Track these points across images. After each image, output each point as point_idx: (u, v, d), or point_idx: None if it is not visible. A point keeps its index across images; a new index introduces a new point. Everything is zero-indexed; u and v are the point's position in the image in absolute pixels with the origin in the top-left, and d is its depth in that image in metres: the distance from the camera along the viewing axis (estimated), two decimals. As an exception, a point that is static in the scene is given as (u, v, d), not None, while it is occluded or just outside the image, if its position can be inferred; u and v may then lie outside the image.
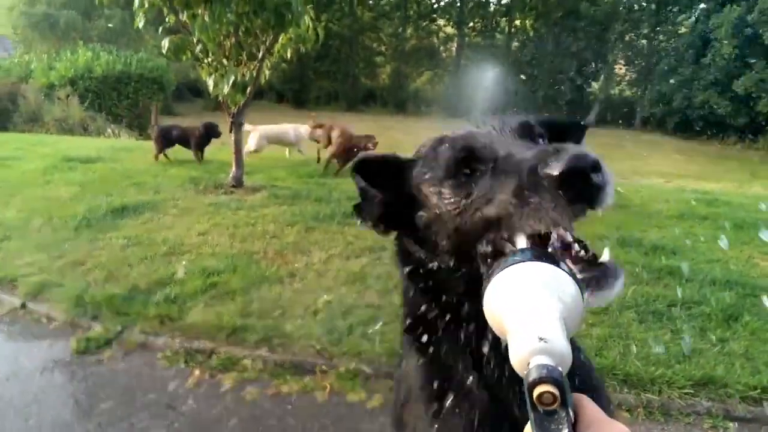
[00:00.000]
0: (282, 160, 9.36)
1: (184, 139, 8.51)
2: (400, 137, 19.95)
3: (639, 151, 25.29)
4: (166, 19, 5.95)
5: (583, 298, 0.81)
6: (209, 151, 8.80)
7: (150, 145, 8.83)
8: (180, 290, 3.88)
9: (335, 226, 5.42)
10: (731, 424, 2.89)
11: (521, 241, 0.94)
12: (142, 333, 3.47)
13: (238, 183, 6.80)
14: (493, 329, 0.81)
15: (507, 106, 39.57)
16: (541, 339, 0.70)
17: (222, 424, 2.73)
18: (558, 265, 0.81)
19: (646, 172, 16.45)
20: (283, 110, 32.34)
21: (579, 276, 0.82)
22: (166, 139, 8.43)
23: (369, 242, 4.99)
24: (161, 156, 8.45)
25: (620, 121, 37.46)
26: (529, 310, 0.74)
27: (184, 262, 4.37)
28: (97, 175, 7.24)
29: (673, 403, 2.97)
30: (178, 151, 8.70)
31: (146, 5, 5.71)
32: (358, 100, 39.99)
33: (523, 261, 0.82)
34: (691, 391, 3.02)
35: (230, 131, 6.72)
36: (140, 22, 5.84)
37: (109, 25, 27.72)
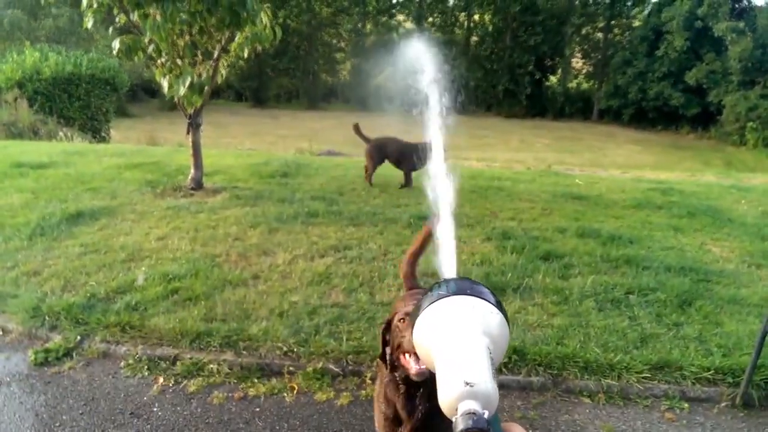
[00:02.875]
0: (242, 159, 9.22)
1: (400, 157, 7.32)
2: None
3: (597, 143, 25.97)
4: (117, 19, 5.78)
5: (508, 323, 0.85)
6: (165, 153, 8.60)
7: (104, 149, 8.57)
8: (141, 297, 3.79)
9: (299, 226, 5.39)
10: (687, 405, 3.02)
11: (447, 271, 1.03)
12: (103, 342, 3.38)
13: (197, 185, 6.67)
14: (423, 362, 0.87)
15: (466, 100, 40.03)
16: (467, 383, 0.74)
17: (189, 430, 2.69)
18: (481, 296, 0.85)
19: (603, 164, 16.91)
20: (242, 109, 31.90)
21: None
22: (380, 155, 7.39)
23: (333, 241, 4.99)
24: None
25: (578, 114, 38.38)
26: (455, 350, 0.78)
27: (143, 268, 4.27)
28: (49, 181, 6.99)
29: (631, 387, 3.08)
30: (133, 153, 8.47)
31: (95, 5, 5.52)
32: (318, 98, 39.75)
33: (447, 295, 0.87)
34: (649, 375, 3.14)
35: (187, 132, 6.57)
36: (89, 23, 5.65)
37: (58, 24, 26.74)
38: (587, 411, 2.94)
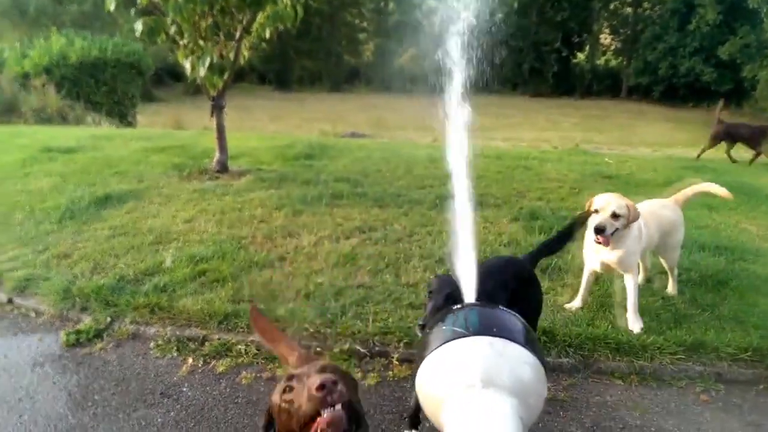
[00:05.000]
0: (266, 142, 9.24)
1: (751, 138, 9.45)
2: (386, 116, 19.81)
3: (626, 121, 25.34)
4: (138, 1, 5.77)
5: (545, 368, 0.66)
6: (190, 136, 8.66)
7: (130, 133, 8.67)
8: (169, 279, 3.82)
9: (323, 207, 5.37)
10: (722, 387, 2.93)
11: (468, 295, 0.82)
12: (133, 323, 3.43)
13: (222, 168, 6.70)
14: (427, 414, 0.69)
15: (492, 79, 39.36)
16: None
17: (218, 409, 2.72)
18: (511, 337, 0.66)
19: (633, 142, 16.50)
20: (265, 92, 31.97)
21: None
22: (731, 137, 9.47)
23: (358, 223, 4.96)
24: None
25: (606, 92, 37.42)
26: (470, 421, 0.59)
27: (171, 251, 4.31)
28: (78, 165, 7.10)
29: (665, 368, 3.00)
30: (159, 137, 8.55)
31: (117, -13, 5.53)
32: (341, 79, 39.54)
33: (465, 334, 0.67)
34: (683, 357, 3.06)
35: (211, 115, 6.58)
36: (111, 5, 5.65)
37: (83, 9, 27.03)
38: (619, 392, 2.88)
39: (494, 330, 0.67)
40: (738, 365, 3.05)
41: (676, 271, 3.76)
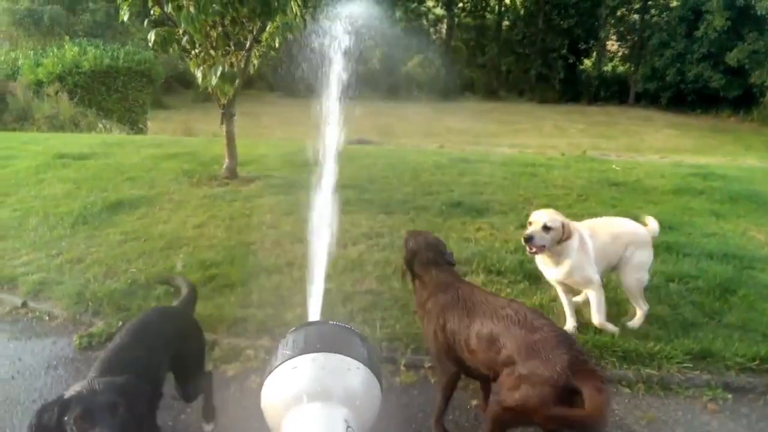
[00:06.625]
0: (274, 149, 9.31)
1: None
2: (392, 122, 19.88)
3: (633, 127, 25.27)
4: (151, 12, 5.87)
5: (378, 378, 0.70)
6: (200, 143, 8.74)
7: (141, 139, 8.78)
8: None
9: (331, 214, 5.41)
10: (730, 396, 2.93)
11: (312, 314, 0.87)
12: (144, 328, 3.47)
13: (231, 174, 6.77)
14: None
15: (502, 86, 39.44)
16: None
17: (228, 413, 2.75)
18: (339, 350, 0.70)
19: (641, 149, 16.47)
20: (274, 99, 32.13)
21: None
22: None
23: (365, 229, 5.00)
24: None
25: (614, 98, 37.29)
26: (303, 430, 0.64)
27: (182, 256, 4.37)
28: (90, 172, 7.20)
29: (672, 377, 3.01)
30: (170, 144, 8.64)
31: (130, -2, 5.64)
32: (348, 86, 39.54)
33: (292, 355, 0.71)
34: (690, 365, 3.06)
35: (221, 123, 6.67)
36: (125, 16, 5.76)
37: (95, 19, 27.37)
38: (626, 401, 2.89)
39: (317, 346, 0.72)
40: (746, 374, 3.04)
41: (642, 301, 3.42)
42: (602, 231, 3.34)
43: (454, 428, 2.62)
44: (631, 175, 7.66)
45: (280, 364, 0.65)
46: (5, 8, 27.02)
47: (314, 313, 0.86)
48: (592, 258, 3.23)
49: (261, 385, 0.63)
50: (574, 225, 3.23)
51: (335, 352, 0.63)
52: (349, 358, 0.62)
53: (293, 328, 0.68)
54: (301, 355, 0.63)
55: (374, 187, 6.54)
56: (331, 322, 0.69)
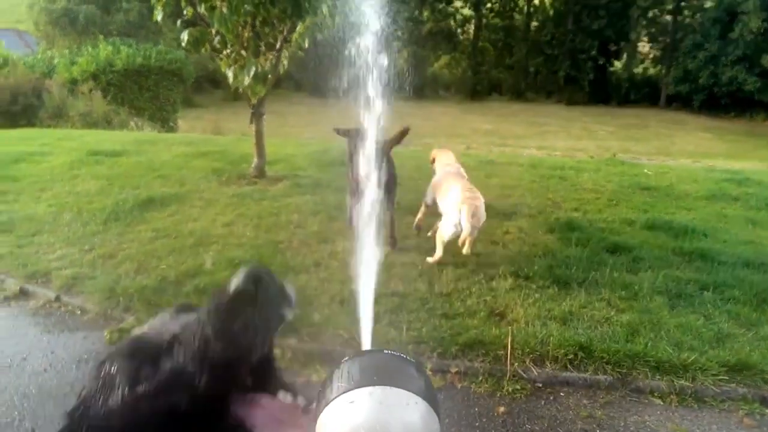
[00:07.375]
0: (302, 148, 9.37)
1: None
2: (418, 123, 19.82)
3: (665, 130, 24.75)
4: (184, 12, 5.96)
5: (437, 412, 0.69)
6: (229, 142, 8.84)
7: (172, 138, 8.91)
8: (209, 281, 3.92)
9: (358, 214, 5.41)
10: (768, 411, 2.84)
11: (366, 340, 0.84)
12: (173, 324, 3.52)
13: (260, 173, 6.83)
14: None
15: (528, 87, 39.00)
16: None
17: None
18: (397, 384, 0.69)
19: (672, 152, 16.12)
20: (301, 98, 32.38)
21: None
22: None
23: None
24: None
25: (644, 101, 36.59)
26: None
27: (211, 253, 4.42)
28: (123, 169, 7.34)
29: (706, 389, 2.93)
30: (200, 142, 8.75)
31: (164, -1, 5.73)
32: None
33: (349, 389, 0.69)
34: (726, 378, 2.98)
35: (251, 122, 6.73)
36: (158, 16, 5.86)
37: (128, 18, 28.01)
38: (658, 412, 2.82)
39: (374, 378, 0.70)
40: (784, 388, 2.95)
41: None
42: None
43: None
44: (663, 180, 7.50)
45: (336, 397, 0.64)
46: (43, 7, 27.85)
47: (366, 340, 0.86)
48: None
49: (315, 416, 0.62)
50: None
51: (393, 386, 0.62)
52: (407, 392, 0.60)
53: (346, 357, 0.67)
54: (357, 388, 0.62)
55: (400, 188, 6.51)
56: (386, 351, 0.68)
